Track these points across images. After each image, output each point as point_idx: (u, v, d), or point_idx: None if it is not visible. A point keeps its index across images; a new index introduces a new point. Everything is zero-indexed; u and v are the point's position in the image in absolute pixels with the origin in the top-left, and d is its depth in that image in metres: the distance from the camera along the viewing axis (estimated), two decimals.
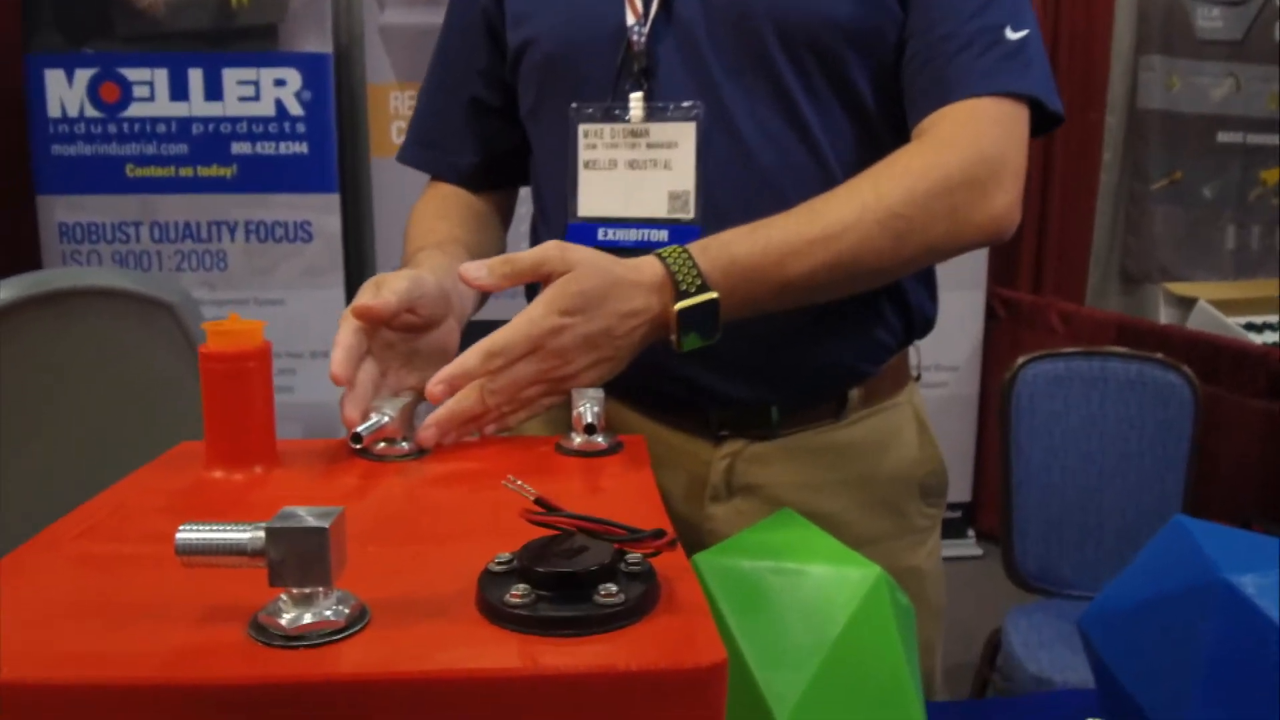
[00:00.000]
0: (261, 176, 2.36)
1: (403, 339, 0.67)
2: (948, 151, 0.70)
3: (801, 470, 0.83)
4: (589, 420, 0.55)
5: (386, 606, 0.36)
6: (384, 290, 0.64)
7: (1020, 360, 1.65)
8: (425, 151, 0.91)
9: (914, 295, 0.82)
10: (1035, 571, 1.61)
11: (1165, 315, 2.83)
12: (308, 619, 0.34)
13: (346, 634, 0.34)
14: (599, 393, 0.58)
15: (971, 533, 2.71)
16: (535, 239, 0.88)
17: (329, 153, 2.37)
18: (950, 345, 2.59)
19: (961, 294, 2.56)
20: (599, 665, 0.32)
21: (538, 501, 0.36)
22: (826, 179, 0.73)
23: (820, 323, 0.77)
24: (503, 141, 0.89)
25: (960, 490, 2.68)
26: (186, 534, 0.35)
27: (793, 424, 0.82)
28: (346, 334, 0.62)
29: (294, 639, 0.34)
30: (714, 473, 0.82)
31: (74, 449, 1.79)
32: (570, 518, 0.36)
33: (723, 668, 0.33)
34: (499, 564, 0.38)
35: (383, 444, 0.57)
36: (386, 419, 0.56)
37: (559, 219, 0.82)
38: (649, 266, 0.65)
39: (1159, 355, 1.64)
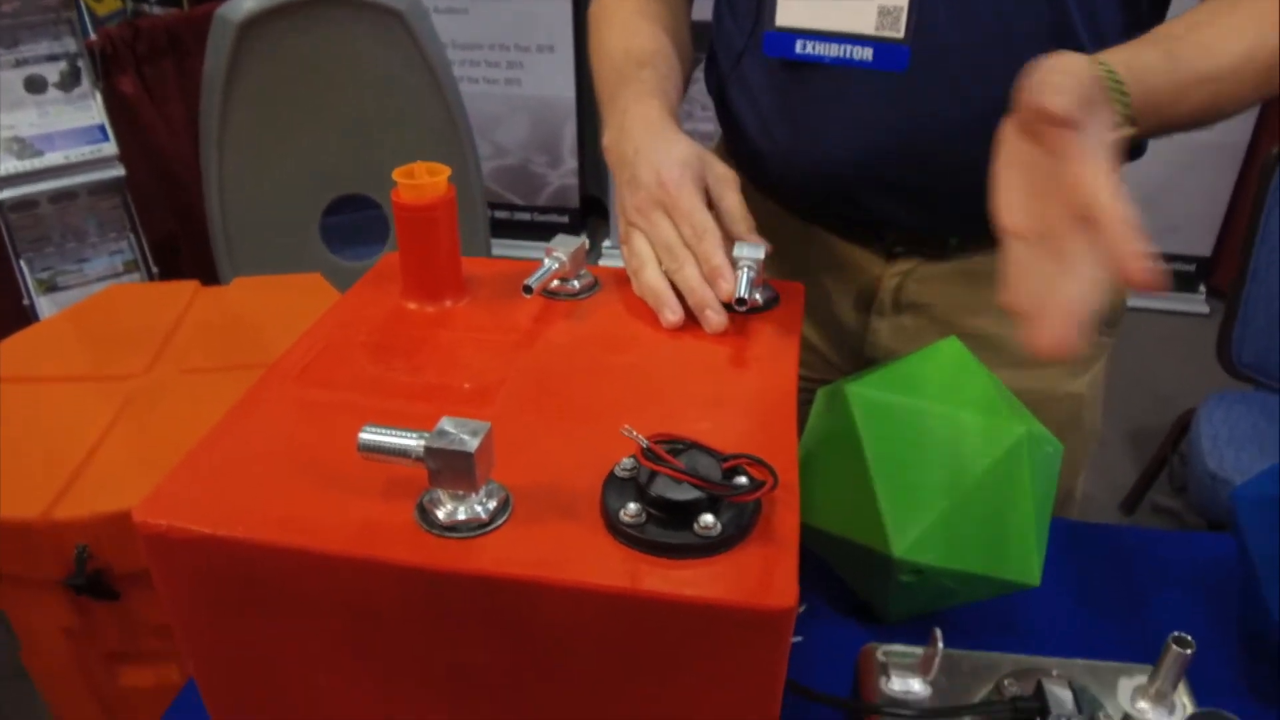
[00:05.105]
0: None
1: None
2: None
3: (973, 293, 0.83)
4: (741, 293, 0.57)
5: (527, 497, 0.44)
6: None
7: None
8: None
9: None
10: (1250, 361, 1.53)
11: None
12: (460, 514, 0.42)
13: (490, 528, 0.42)
14: (758, 254, 0.60)
15: (1203, 289, 2.53)
16: (722, 38, 0.85)
17: None
18: None
19: None
20: (678, 592, 0.38)
21: (646, 452, 0.41)
22: (1056, 7, 0.66)
23: None
24: None
25: (1201, 244, 2.47)
26: (368, 436, 0.42)
27: (970, 249, 0.81)
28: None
29: (448, 529, 0.42)
30: (883, 289, 0.83)
31: (324, 140, 1.97)
32: (677, 471, 0.40)
33: (791, 612, 0.38)
34: (623, 470, 0.44)
35: (556, 283, 0.63)
36: (557, 265, 0.61)
37: (749, 25, 0.78)
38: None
39: None
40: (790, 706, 0.48)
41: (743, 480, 0.42)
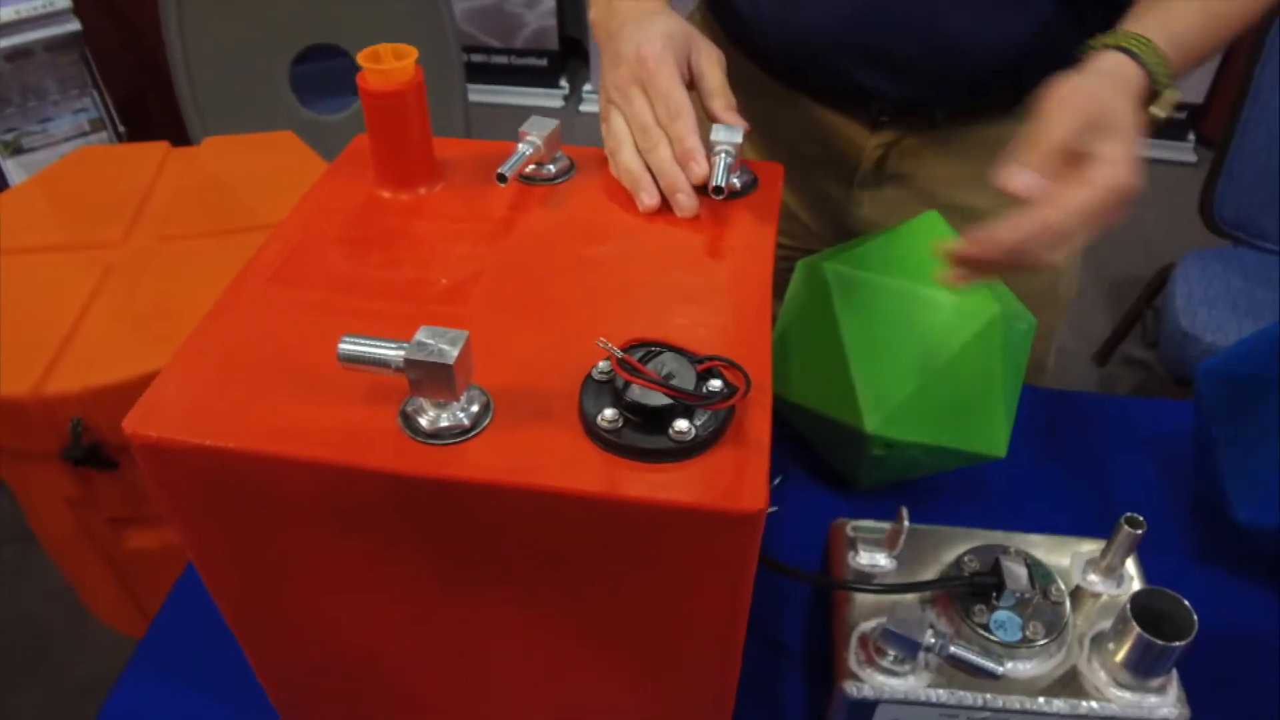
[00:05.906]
0: None
1: None
2: None
3: (958, 165, 0.82)
4: (718, 181, 0.56)
5: (507, 399, 0.45)
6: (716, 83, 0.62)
7: None
8: None
9: None
10: (1230, 217, 1.53)
11: None
12: (443, 421, 0.43)
13: (472, 433, 0.43)
14: (735, 138, 0.59)
15: (1192, 136, 2.50)
16: None
17: None
18: None
19: None
20: (653, 496, 0.40)
21: (621, 362, 0.41)
22: None
23: (1014, 34, 0.71)
24: None
25: (1194, 91, 2.42)
26: (347, 347, 0.43)
27: (957, 122, 0.79)
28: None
29: (432, 436, 0.43)
30: (866, 160, 0.82)
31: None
32: (651, 381, 0.41)
33: (760, 514, 0.40)
34: (600, 373, 0.45)
35: (531, 168, 0.62)
36: (531, 149, 0.60)
37: None
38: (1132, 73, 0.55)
39: None
40: (762, 577, 0.51)
41: (716, 385, 0.43)
